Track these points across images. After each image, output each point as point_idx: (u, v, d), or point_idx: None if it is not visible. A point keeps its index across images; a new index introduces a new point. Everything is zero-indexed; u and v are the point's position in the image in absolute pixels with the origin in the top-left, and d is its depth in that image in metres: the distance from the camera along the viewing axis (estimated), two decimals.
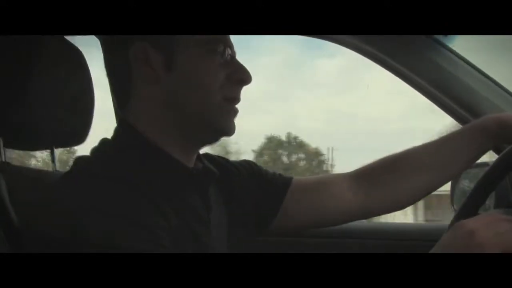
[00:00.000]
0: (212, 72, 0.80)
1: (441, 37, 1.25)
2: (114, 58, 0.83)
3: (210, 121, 0.81)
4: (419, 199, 1.03)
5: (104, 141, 0.83)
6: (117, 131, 0.83)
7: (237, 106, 0.84)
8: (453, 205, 1.33)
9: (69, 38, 1.01)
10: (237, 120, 0.84)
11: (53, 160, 1.07)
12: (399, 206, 1.03)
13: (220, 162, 0.96)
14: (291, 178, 1.00)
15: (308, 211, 1.00)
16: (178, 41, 0.79)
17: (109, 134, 0.85)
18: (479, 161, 1.05)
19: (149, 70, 0.79)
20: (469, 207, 1.02)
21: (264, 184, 0.97)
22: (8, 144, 1.00)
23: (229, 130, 0.83)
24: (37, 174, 0.97)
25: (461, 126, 1.25)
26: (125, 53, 0.79)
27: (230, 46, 0.83)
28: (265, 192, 0.97)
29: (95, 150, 0.82)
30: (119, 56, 0.81)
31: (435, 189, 1.02)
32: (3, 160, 0.97)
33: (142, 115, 0.80)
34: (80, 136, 1.03)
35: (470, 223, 0.68)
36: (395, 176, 1.00)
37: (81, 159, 0.80)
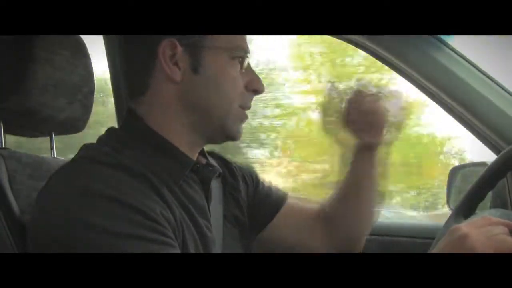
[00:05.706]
0: (234, 79, 0.81)
1: (443, 36, 1.24)
2: (137, 50, 0.82)
3: (224, 125, 0.82)
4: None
5: (111, 130, 0.83)
6: (125, 120, 0.84)
7: None
8: (449, 204, 1.33)
9: None
10: None
11: (52, 147, 1.07)
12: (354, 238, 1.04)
13: (224, 161, 0.98)
14: (285, 197, 1.02)
15: (288, 235, 1.01)
16: (206, 44, 0.79)
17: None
18: (477, 160, 1.05)
19: (175, 68, 0.79)
20: (466, 206, 1.02)
21: (261, 196, 1.00)
22: (8, 130, 0.99)
23: (237, 135, 0.85)
24: (37, 160, 0.97)
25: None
26: (152, 46, 0.79)
27: (249, 55, 0.84)
28: (260, 204, 0.99)
29: (101, 139, 0.82)
30: (144, 49, 0.80)
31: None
32: (3, 145, 0.97)
33: (155, 109, 0.81)
34: (79, 123, 1.03)
35: (464, 227, 0.70)
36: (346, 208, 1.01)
37: (88, 147, 0.80)
